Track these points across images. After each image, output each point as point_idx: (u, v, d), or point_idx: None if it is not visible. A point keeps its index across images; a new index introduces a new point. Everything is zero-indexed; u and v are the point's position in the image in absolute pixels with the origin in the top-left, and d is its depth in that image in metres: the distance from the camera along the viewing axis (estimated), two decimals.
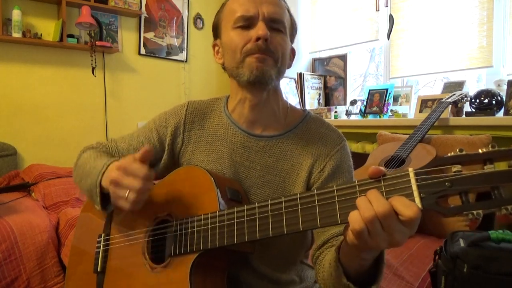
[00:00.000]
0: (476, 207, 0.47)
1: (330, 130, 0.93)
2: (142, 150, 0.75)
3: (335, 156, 0.88)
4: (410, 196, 0.52)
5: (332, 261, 0.71)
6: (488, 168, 0.47)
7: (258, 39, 0.81)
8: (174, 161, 1.00)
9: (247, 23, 0.83)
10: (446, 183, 0.50)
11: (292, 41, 0.93)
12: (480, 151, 0.48)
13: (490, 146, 0.47)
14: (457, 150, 0.48)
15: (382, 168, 0.55)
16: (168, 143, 0.97)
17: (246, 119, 0.92)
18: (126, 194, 0.73)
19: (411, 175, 0.53)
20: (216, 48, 0.94)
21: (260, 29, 0.81)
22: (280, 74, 0.87)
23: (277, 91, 0.93)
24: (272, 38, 0.82)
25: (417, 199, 0.52)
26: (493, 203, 0.46)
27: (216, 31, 0.93)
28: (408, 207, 0.51)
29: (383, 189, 0.55)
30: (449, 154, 0.50)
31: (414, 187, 0.52)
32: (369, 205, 0.54)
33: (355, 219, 0.55)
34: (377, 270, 0.67)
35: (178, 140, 0.97)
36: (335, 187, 0.60)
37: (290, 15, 0.91)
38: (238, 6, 0.84)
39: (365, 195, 0.56)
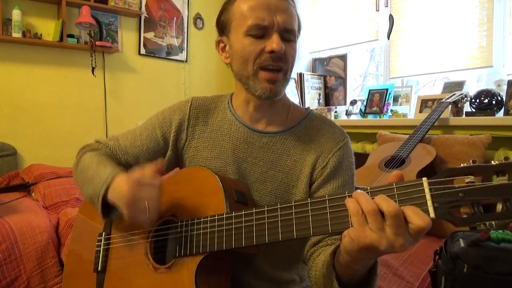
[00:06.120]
0: (488, 218, 0.48)
1: (333, 127, 0.93)
2: (158, 163, 0.76)
3: (338, 153, 0.89)
4: (423, 205, 0.53)
5: (326, 264, 0.71)
6: (501, 180, 0.47)
7: (272, 52, 0.80)
8: (178, 156, 1.00)
9: (261, 32, 0.81)
10: (460, 194, 0.50)
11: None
12: (493, 162, 0.48)
13: (503, 158, 0.48)
14: (470, 161, 0.49)
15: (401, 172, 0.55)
16: (172, 139, 0.97)
17: (251, 116, 0.93)
18: (147, 205, 0.73)
19: (425, 184, 0.53)
20: (221, 45, 0.91)
21: (275, 43, 0.80)
22: (288, 82, 0.88)
23: None
24: (285, 49, 0.82)
25: (431, 209, 0.52)
26: (505, 214, 0.47)
27: (223, 29, 0.89)
28: (419, 216, 0.51)
29: (396, 198, 0.55)
30: (462, 165, 0.50)
31: (428, 196, 0.53)
32: (371, 201, 0.54)
33: (353, 206, 0.55)
34: (369, 280, 0.67)
35: (182, 135, 0.97)
36: (347, 194, 0.61)
37: (298, 16, 0.88)
38: (250, 11, 0.81)
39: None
